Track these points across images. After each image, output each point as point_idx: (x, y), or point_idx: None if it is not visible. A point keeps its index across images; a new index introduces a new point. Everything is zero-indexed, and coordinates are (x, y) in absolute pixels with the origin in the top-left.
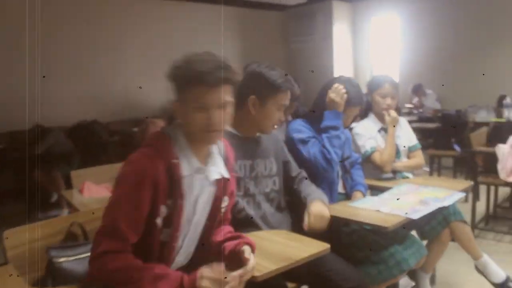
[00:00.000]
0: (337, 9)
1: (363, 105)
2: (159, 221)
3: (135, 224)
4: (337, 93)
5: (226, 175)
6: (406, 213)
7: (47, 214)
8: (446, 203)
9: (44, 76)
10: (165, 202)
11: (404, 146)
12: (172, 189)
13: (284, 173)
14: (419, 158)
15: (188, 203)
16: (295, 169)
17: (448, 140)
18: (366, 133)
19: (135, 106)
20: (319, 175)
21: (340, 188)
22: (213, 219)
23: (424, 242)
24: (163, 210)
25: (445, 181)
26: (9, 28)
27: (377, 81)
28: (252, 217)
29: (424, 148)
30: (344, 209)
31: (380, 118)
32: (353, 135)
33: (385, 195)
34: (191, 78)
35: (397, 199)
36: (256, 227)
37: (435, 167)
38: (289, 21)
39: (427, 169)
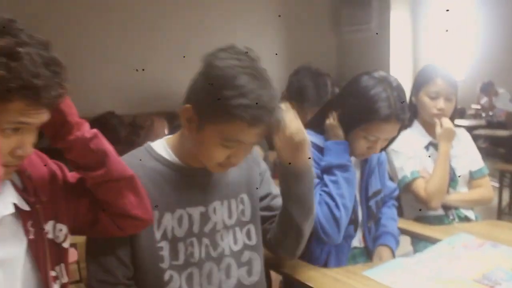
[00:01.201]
0: None
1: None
2: None
3: None
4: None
5: (24, 205)
6: None
7: None
8: None
9: None
10: None
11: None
12: None
13: (264, 211)
14: (485, 189)
15: None
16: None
17: None
18: (407, 150)
19: (168, 97)
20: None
21: (357, 241)
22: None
23: None
24: None
25: None
26: (29, 16)
27: (425, 75)
28: None
29: (493, 159)
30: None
31: (429, 128)
32: (388, 154)
33: (426, 256)
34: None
35: (443, 273)
36: None
37: (506, 182)
38: (341, 7)
39: (496, 184)
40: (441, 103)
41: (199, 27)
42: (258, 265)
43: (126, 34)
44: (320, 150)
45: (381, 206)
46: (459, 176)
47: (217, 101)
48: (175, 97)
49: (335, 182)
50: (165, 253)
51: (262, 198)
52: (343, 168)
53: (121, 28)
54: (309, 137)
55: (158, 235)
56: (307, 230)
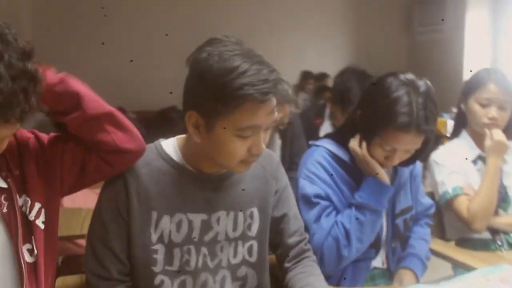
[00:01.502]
0: None
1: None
2: None
3: None
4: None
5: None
6: None
7: None
8: None
9: (131, 61)
10: None
11: None
12: None
13: (275, 234)
14: None
15: None
16: (295, 230)
17: None
18: (451, 163)
19: None
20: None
21: (380, 261)
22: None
23: None
24: None
25: None
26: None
27: (476, 80)
28: None
29: None
30: None
31: (479, 140)
32: (430, 165)
33: (453, 286)
34: None
35: None
36: None
37: None
38: (415, 7)
39: None
40: (493, 112)
41: (263, 26)
42: (253, 281)
43: (191, 30)
44: (342, 164)
45: (410, 225)
46: None
47: (218, 91)
48: None
49: (361, 223)
50: (160, 256)
51: (277, 220)
52: (377, 213)
53: (186, 25)
54: (331, 147)
55: (154, 237)
56: None
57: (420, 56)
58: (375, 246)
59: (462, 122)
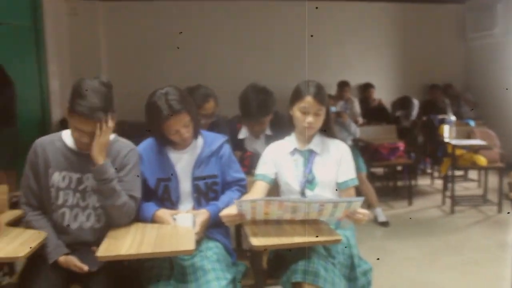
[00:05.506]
0: None
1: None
2: None
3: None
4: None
5: None
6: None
7: None
8: None
9: None
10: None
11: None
12: None
13: None
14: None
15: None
16: None
17: None
18: (266, 155)
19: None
20: None
21: (189, 208)
22: None
23: None
24: None
25: None
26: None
27: (297, 92)
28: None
29: None
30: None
31: (301, 137)
32: None
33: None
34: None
35: None
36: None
37: None
38: (467, 14)
39: None
40: (310, 118)
41: (316, 41)
42: (104, 219)
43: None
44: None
45: (214, 187)
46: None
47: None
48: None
49: None
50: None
51: None
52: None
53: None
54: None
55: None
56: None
57: (475, 62)
58: (168, 200)
59: (292, 124)
